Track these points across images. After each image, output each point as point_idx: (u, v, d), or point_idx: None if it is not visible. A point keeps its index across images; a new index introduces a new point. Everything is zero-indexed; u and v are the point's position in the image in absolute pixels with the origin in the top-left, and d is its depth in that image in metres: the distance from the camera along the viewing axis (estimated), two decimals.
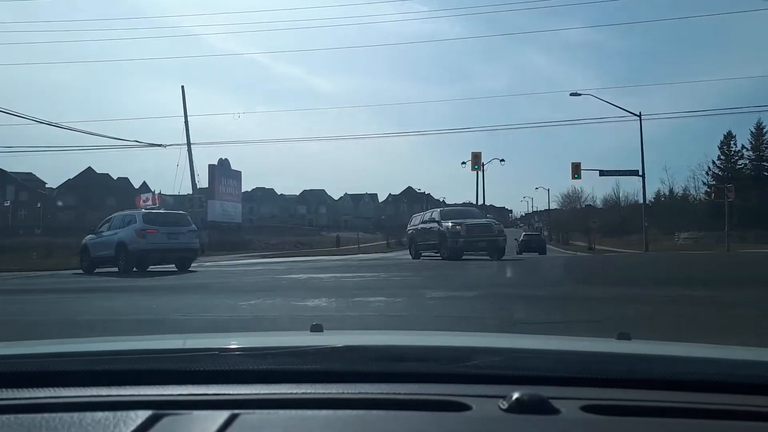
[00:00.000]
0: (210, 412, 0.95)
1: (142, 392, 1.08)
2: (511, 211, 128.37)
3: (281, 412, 0.98)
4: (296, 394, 1.05)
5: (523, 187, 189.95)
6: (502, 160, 44.72)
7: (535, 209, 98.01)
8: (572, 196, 78.34)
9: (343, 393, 1.05)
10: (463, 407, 0.97)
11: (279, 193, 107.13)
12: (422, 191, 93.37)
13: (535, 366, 1.20)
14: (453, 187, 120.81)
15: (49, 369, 1.18)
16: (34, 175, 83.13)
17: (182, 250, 16.52)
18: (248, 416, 0.94)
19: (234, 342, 1.45)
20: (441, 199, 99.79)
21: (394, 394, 1.04)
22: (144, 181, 79.69)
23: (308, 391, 1.06)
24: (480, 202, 40.87)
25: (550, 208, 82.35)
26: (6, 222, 69.37)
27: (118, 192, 74.59)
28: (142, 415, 0.94)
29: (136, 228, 15.94)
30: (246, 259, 28.29)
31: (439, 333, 3.57)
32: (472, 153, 34.51)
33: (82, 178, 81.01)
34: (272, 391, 1.07)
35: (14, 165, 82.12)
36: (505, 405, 0.96)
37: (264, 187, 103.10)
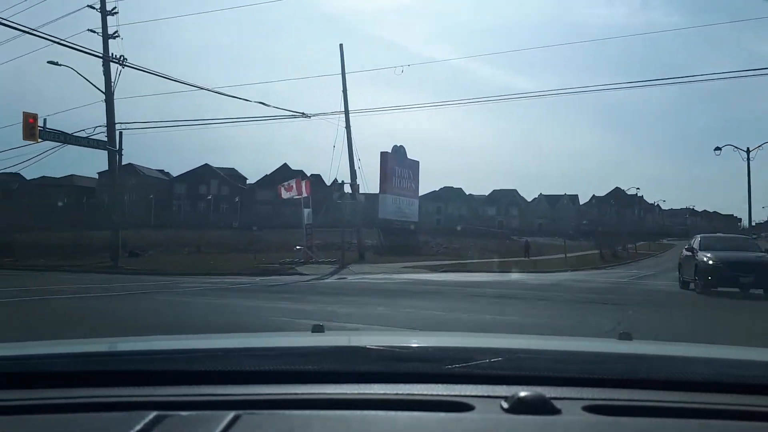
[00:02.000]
0: (214, 413, 0.96)
1: (146, 393, 1.09)
2: (740, 220, 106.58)
3: (284, 412, 1.00)
4: (299, 394, 1.07)
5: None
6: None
7: None
8: None
9: (345, 393, 1.07)
10: (465, 407, 0.99)
11: (467, 193, 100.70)
12: (635, 192, 79.30)
13: (536, 366, 1.22)
14: (670, 189, 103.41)
15: (55, 370, 1.20)
16: (237, 171, 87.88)
17: None
18: (251, 416, 0.95)
19: (237, 343, 1.53)
20: (655, 203, 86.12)
21: (397, 394, 1.06)
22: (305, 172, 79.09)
23: (311, 392, 1.08)
24: (747, 203, 29.31)
25: None
26: (207, 214, 73.06)
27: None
28: (147, 415, 0.94)
29: None
30: (411, 271, 22.04)
31: (440, 333, 3.78)
32: None
33: (279, 174, 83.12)
34: (275, 392, 1.08)
35: (218, 161, 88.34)
36: (506, 405, 0.97)
37: (452, 187, 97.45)
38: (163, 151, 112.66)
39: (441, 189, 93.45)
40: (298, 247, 25.80)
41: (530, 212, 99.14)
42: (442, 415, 0.97)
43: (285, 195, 27.34)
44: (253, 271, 21.14)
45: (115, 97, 23.64)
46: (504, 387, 1.06)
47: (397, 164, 36.72)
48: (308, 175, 27.49)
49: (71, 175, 74.63)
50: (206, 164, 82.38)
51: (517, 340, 1.81)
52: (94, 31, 22.89)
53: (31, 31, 18.65)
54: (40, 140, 20.65)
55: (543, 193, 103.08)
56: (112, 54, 23.00)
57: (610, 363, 1.25)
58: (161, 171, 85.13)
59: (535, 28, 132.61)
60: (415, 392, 1.06)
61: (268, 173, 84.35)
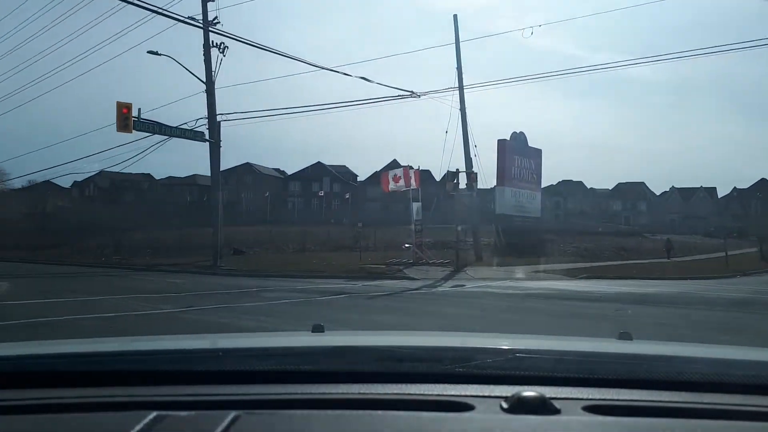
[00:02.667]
0: (213, 413, 0.96)
1: (146, 393, 1.09)
2: None
3: (284, 412, 1.00)
4: (299, 394, 1.07)
5: None
6: None
7: None
8: None
9: (346, 393, 1.07)
10: (466, 407, 0.99)
11: (589, 187, 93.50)
12: None
13: (536, 366, 1.20)
14: None
15: (55, 369, 1.19)
16: (348, 168, 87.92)
17: None
18: (251, 416, 0.96)
19: (237, 343, 1.54)
20: None
21: (397, 394, 1.06)
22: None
23: (311, 392, 1.08)
24: None
25: None
26: (319, 211, 73.25)
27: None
28: (147, 415, 0.94)
29: None
30: (544, 277, 18.69)
31: (441, 334, 3.52)
32: None
33: (388, 170, 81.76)
34: (275, 392, 1.08)
35: (331, 159, 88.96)
36: (507, 405, 0.98)
37: (571, 180, 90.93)
38: (277, 150, 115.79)
39: (559, 183, 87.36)
40: (407, 245, 23.58)
41: (660, 207, 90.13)
42: (442, 414, 0.98)
43: (392, 186, 24.51)
44: (357, 273, 19.01)
45: (216, 86, 22.51)
46: (504, 387, 1.06)
47: (516, 153, 32.36)
48: (417, 168, 24.45)
49: (194, 175, 77.93)
50: (319, 162, 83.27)
51: (517, 340, 1.75)
52: (194, 19, 21.83)
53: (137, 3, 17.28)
54: (134, 131, 19.81)
55: (675, 186, 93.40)
56: (213, 42, 21.88)
57: (610, 363, 1.24)
58: (277, 170, 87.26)
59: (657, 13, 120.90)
60: (415, 392, 1.07)
61: (378, 169, 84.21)
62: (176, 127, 21.55)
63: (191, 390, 1.08)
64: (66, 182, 73.91)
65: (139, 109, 19.80)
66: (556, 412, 0.96)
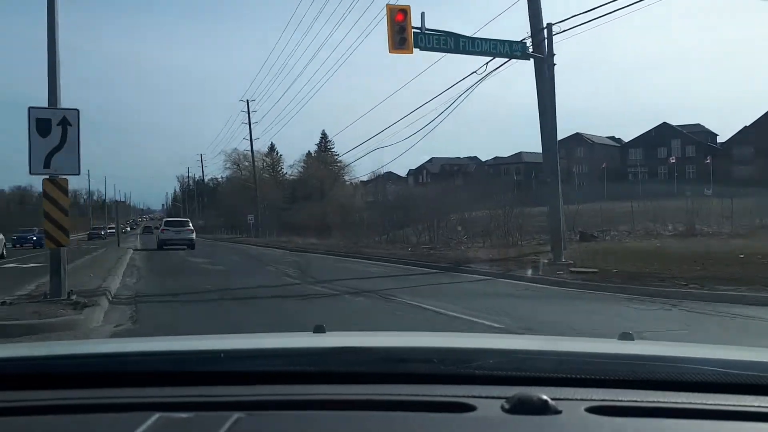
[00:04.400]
0: (215, 414, 0.96)
1: (147, 394, 1.08)
2: None
3: (286, 413, 1.00)
4: (301, 395, 1.06)
5: None
6: None
7: None
8: None
9: (347, 394, 1.07)
10: (467, 408, 0.99)
11: None
12: None
13: (538, 367, 1.19)
14: None
15: (56, 371, 1.19)
16: (703, 126, 72.31)
17: None
18: (253, 417, 0.96)
19: (238, 344, 1.51)
20: None
21: (398, 395, 1.06)
22: None
23: (313, 392, 1.07)
24: None
25: None
26: (669, 182, 60.80)
27: None
28: (149, 416, 0.94)
29: None
30: None
31: (441, 334, 3.49)
32: None
33: (761, 125, 63.67)
34: (277, 392, 1.08)
35: (682, 118, 74.10)
36: (507, 406, 0.98)
37: None
38: (610, 117, 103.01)
39: None
40: None
41: None
42: (443, 415, 0.98)
43: None
44: None
45: None
46: (505, 387, 1.06)
47: None
48: None
49: (519, 153, 73.70)
50: (664, 123, 70.09)
51: (517, 341, 1.78)
52: None
53: None
54: (415, 50, 12.93)
55: None
56: None
57: (611, 363, 1.22)
58: (612, 137, 77.08)
59: None
60: (416, 393, 1.07)
61: (747, 124, 66.42)
62: (485, 39, 13.87)
63: (193, 391, 1.09)
64: (403, 171, 77.83)
65: (423, 14, 12.97)
66: (557, 412, 0.96)
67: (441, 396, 1.05)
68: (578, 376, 1.12)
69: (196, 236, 30.89)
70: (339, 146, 73.29)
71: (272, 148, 75.19)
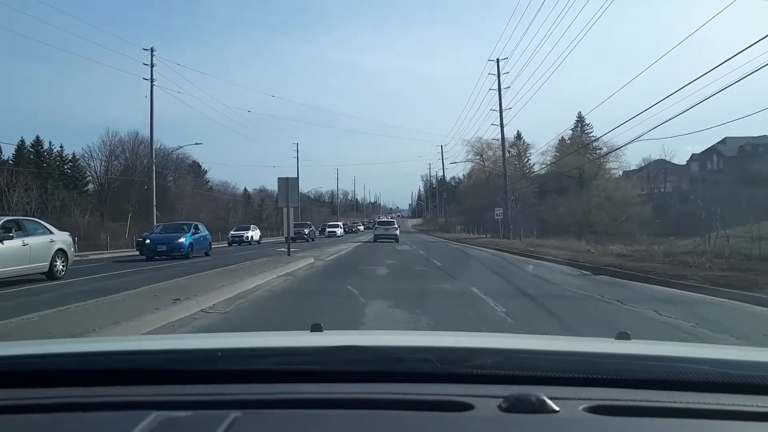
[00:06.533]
0: (212, 412, 0.96)
1: (145, 392, 1.09)
2: None
3: (284, 411, 1.00)
4: (299, 394, 1.07)
5: None
6: None
7: None
8: None
9: (344, 393, 1.07)
10: (465, 407, 0.99)
11: None
12: None
13: (535, 366, 1.19)
14: None
15: (54, 369, 1.20)
16: None
17: None
18: (250, 416, 0.96)
19: (236, 342, 1.49)
20: None
21: (396, 394, 1.06)
22: None
23: (310, 391, 1.07)
24: None
25: None
26: None
27: None
28: (146, 415, 0.95)
29: None
30: None
31: (440, 333, 3.57)
32: None
33: None
34: (273, 391, 1.08)
35: None
36: (506, 405, 0.98)
37: None
38: None
39: None
40: None
41: None
42: (441, 414, 0.98)
43: None
44: None
45: None
46: (503, 387, 1.05)
47: None
48: None
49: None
50: None
51: (516, 340, 1.78)
52: None
53: None
54: None
55: None
56: None
57: (609, 363, 1.22)
58: None
59: None
60: (415, 392, 1.07)
61: None
62: None
63: (191, 390, 1.08)
64: (683, 157, 62.37)
65: None
66: (555, 411, 0.96)
67: (439, 395, 1.05)
68: (576, 376, 1.12)
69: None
70: (597, 130, 60.61)
71: (518, 136, 66.88)
